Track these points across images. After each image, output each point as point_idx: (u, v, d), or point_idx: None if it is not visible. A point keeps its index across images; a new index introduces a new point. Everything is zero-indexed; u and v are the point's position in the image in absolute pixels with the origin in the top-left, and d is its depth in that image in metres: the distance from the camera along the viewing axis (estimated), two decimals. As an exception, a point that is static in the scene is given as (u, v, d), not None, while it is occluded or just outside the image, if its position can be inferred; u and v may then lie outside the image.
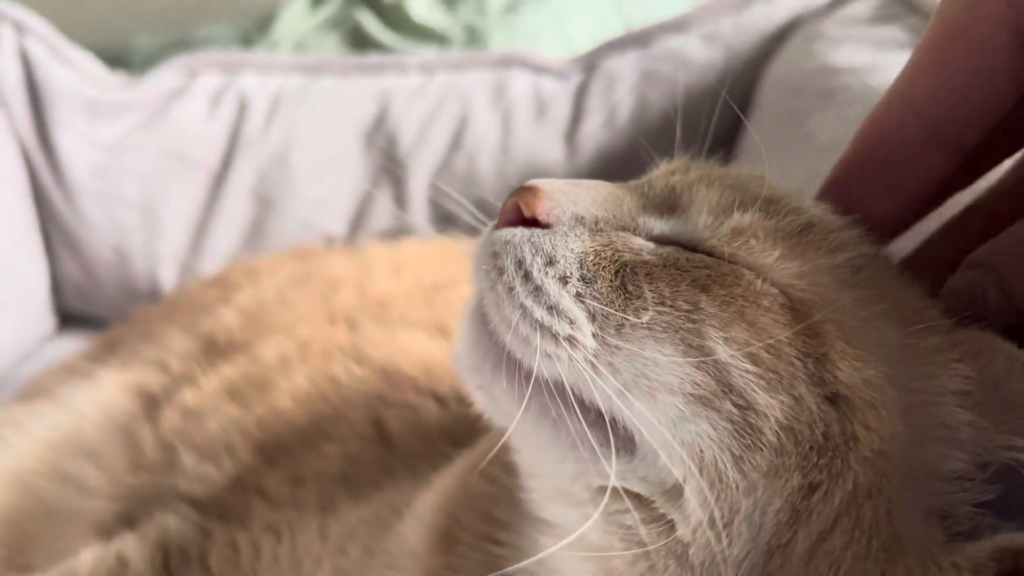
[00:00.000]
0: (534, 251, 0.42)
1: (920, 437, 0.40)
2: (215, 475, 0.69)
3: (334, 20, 1.69)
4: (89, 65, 1.22)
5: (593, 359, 0.40)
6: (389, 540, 0.56)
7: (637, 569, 0.41)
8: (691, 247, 0.43)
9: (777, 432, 0.38)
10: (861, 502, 0.38)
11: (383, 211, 1.17)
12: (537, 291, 0.41)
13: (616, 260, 0.42)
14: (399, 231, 1.15)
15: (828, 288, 0.41)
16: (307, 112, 1.20)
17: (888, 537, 0.38)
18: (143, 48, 1.79)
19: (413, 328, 0.76)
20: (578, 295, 0.41)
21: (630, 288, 0.41)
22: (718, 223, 0.44)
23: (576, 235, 0.43)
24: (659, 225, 0.45)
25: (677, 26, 1.14)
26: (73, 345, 1.15)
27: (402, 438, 0.66)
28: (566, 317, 0.40)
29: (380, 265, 0.88)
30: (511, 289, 0.42)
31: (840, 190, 0.48)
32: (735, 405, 0.38)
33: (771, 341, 0.39)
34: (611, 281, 0.41)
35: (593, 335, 0.40)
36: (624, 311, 0.40)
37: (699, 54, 1.12)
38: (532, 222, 0.44)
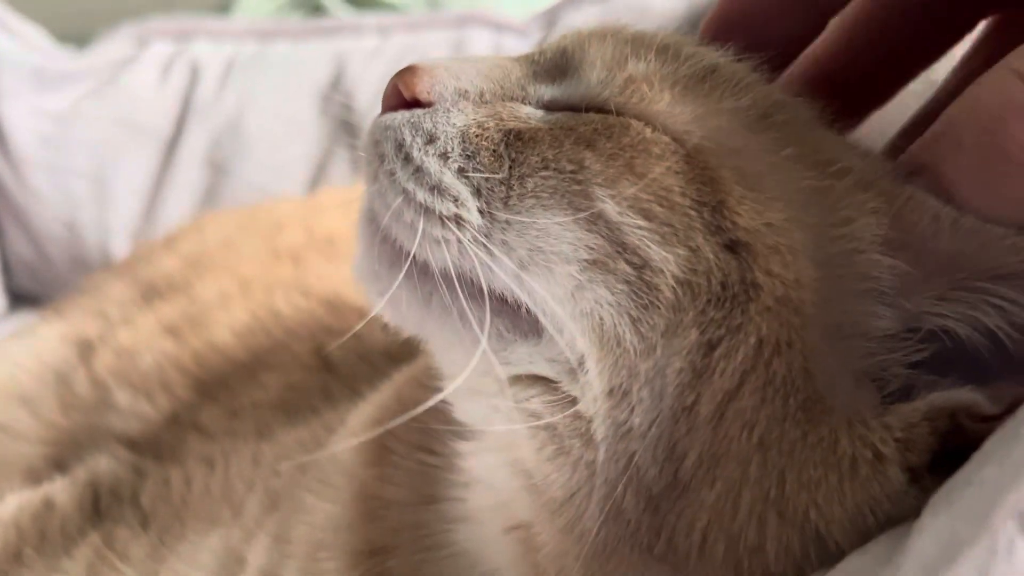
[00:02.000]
0: (414, 131, 0.40)
1: (840, 290, 0.37)
2: (150, 412, 0.65)
3: (295, 1, 1.67)
4: (34, 35, 1.19)
5: (484, 238, 0.37)
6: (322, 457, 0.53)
7: (545, 454, 0.38)
8: (583, 107, 0.41)
9: (674, 287, 0.36)
10: (769, 357, 0.35)
11: (341, 174, 1.14)
12: (418, 172, 0.39)
13: (500, 129, 0.40)
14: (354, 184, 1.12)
15: (727, 134, 0.39)
16: (261, 77, 1.17)
17: (808, 396, 0.35)
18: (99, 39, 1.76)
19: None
20: (460, 170, 0.39)
21: (513, 155, 0.39)
22: (611, 76, 0.41)
23: (459, 110, 0.41)
24: (550, 91, 0.43)
25: (636, -23, 1.12)
26: (23, 325, 1.12)
27: (344, 363, 0.63)
28: (450, 195, 0.38)
29: (330, 205, 0.85)
30: (392, 174, 0.39)
31: (719, 30, 0.47)
32: (630, 264, 0.36)
33: (661, 191, 0.36)
34: (494, 151, 0.39)
35: (480, 211, 0.38)
36: (507, 182, 0.38)
37: (659, 5, 1.10)
38: (414, 103, 0.41)
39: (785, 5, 0.47)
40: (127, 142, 1.15)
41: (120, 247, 1.15)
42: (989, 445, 0.32)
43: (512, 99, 0.42)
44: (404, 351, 0.62)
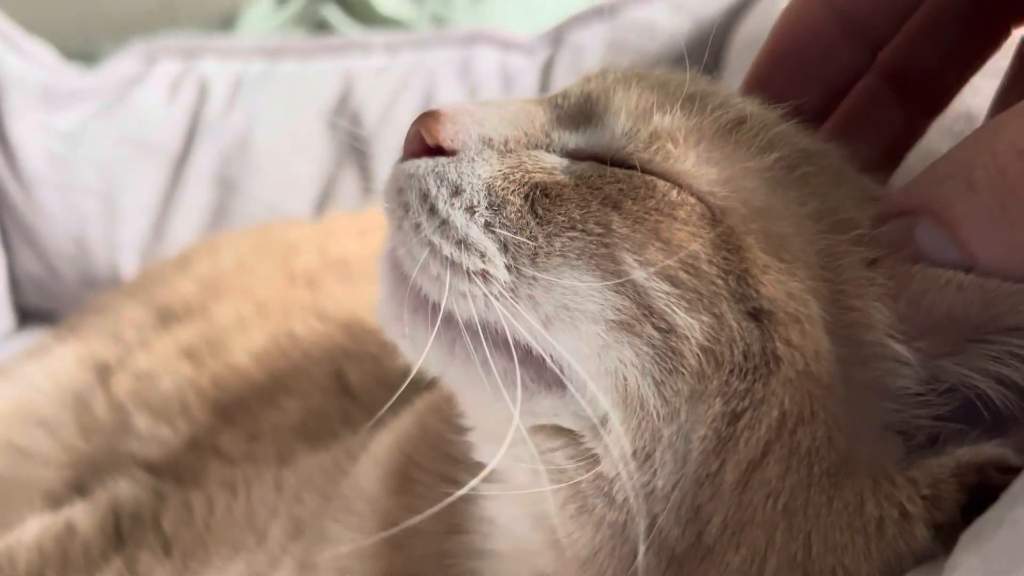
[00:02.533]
0: (439, 182, 0.39)
1: (859, 354, 0.37)
2: (169, 436, 0.66)
3: (299, 16, 1.67)
4: (43, 54, 1.20)
5: (511, 293, 0.37)
6: (344, 484, 0.53)
7: (568, 512, 0.38)
8: (607, 159, 0.40)
9: (698, 355, 0.36)
10: (792, 428, 0.35)
11: (349, 192, 1.15)
12: (444, 225, 0.39)
13: (526, 183, 0.39)
14: (365, 209, 1.12)
15: (753, 193, 0.38)
16: (269, 95, 1.18)
17: (833, 463, 0.36)
18: (107, 55, 1.77)
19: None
20: (487, 225, 0.38)
21: (540, 212, 0.38)
22: (636, 129, 0.40)
23: (484, 159, 0.40)
24: (574, 139, 0.42)
25: (642, -3, 1.14)
26: (33, 342, 1.12)
27: (363, 388, 0.63)
28: (476, 250, 0.38)
29: (343, 230, 0.85)
30: (417, 226, 0.39)
31: (759, 85, 0.47)
32: (656, 328, 0.36)
33: (687, 258, 0.36)
34: (520, 206, 0.38)
35: (507, 267, 0.38)
36: (536, 238, 0.37)
37: (666, 23, 1.11)
38: (437, 150, 0.40)
39: (834, 41, 0.46)
40: (136, 160, 1.15)
41: (129, 264, 1.15)
42: (1017, 486, 0.33)
43: (536, 147, 0.42)
44: (424, 375, 0.63)
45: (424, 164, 0.40)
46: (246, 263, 0.82)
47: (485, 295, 0.37)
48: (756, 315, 0.36)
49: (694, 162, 0.39)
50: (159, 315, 0.78)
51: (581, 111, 0.43)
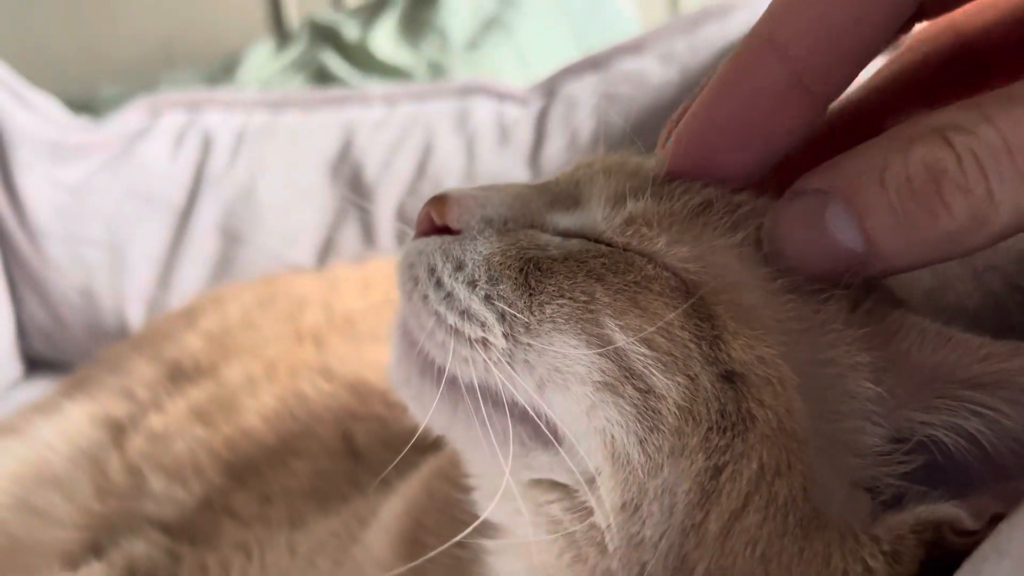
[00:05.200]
0: (444, 258, 0.43)
1: (830, 411, 0.40)
2: (183, 497, 0.68)
3: (299, 62, 1.71)
4: (51, 108, 1.23)
5: (508, 359, 0.41)
6: (355, 550, 0.55)
7: (564, 561, 0.41)
8: (594, 238, 0.44)
9: (675, 413, 0.39)
10: (771, 480, 0.38)
11: (351, 241, 1.18)
12: (449, 297, 0.42)
13: (521, 258, 0.43)
14: (367, 260, 1.15)
15: (723, 268, 0.41)
16: (272, 147, 1.21)
17: (805, 514, 0.38)
18: (109, 97, 1.80)
19: (382, 342, 0.76)
20: (487, 297, 0.42)
21: (533, 284, 0.42)
22: (614, 213, 0.44)
23: (484, 238, 0.44)
24: (564, 220, 0.46)
25: (633, 48, 1.17)
26: (40, 390, 1.13)
27: (370, 450, 0.66)
28: (477, 320, 0.42)
29: (347, 284, 0.88)
30: (425, 297, 0.43)
31: (697, 138, 0.43)
32: (637, 389, 0.39)
33: (662, 325, 0.39)
34: (515, 279, 0.42)
35: (504, 335, 0.41)
36: (529, 308, 0.41)
37: (656, 74, 1.15)
38: (444, 230, 0.45)
39: (785, 95, 0.42)
40: (141, 212, 1.18)
41: (136, 314, 1.18)
42: (966, 566, 0.35)
43: (532, 226, 0.46)
44: (429, 438, 0.65)
45: (433, 242, 0.44)
46: (253, 319, 0.84)
47: (485, 361, 0.41)
48: (729, 377, 0.39)
49: (666, 242, 0.42)
50: (169, 373, 0.81)
51: (570, 195, 0.47)
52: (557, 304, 0.41)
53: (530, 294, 0.42)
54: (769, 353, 0.39)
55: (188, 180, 1.20)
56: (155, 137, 1.21)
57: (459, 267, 0.43)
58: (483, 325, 0.41)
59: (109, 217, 1.17)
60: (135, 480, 0.70)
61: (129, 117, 1.22)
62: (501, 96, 1.21)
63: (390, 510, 0.55)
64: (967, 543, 0.37)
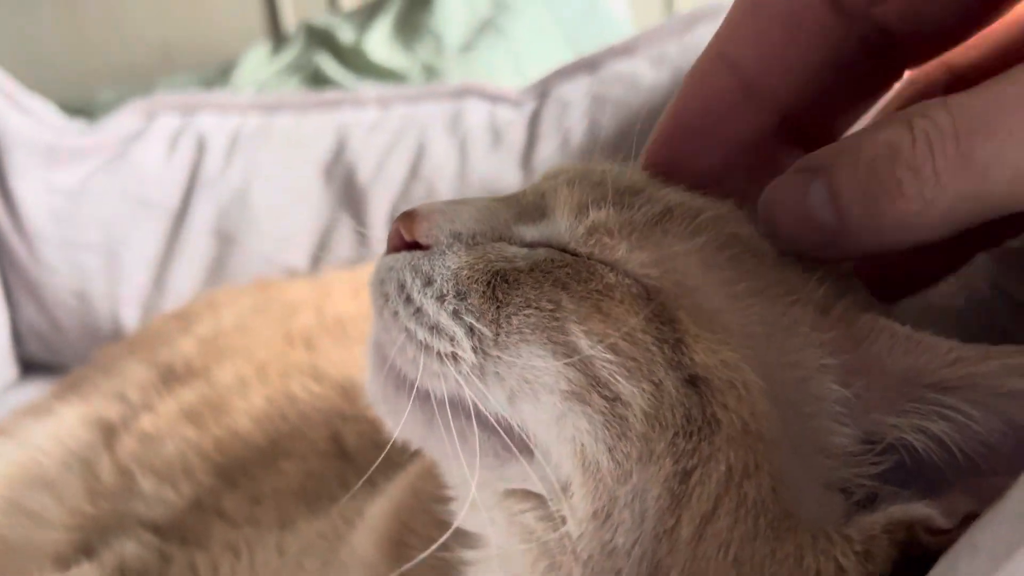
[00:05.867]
0: (414, 273, 0.44)
1: (798, 414, 0.40)
2: (174, 498, 0.68)
3: (294, 65, 1.72)
4: (46, 112, 1.23)
5: (478, 372, 0.41)
6: (342, 550, 0.56)
7: (539, 569, 0.42)
8: (559, 248, 0.45)
9: (642, 420, 0.39)
10: (740, 482, 0.38)
11: (344, 243, 1.18)
12: (418, 312, 0.43)
13: (488, 271, 0.43)
14: (360, 262, 1.15)
15: (683, 274, 0.42)
16: (266, 149, 1.21)
17: (776, 515, 0.39)
18: (106, 101, 1.81)
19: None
20: (455, 312, 0.42)
21: (500, 296, 0.42)
22: (577, 223, 0.45)
23: (453, 252, 0.45)
24: (531, 232, 0.47)
25: (625, 50, 1.17)
26: (35, 393, 1.14)
27: (360, 451, 0.66)
28: (446, 335, 0.42)
29: (339, 289, 0.88)
30: (396, 313, 0.44)
31: (663, 146, 0.48)
32: (603, 397, 0.40)
33: (625, 330, 0.40)
34: (483, 293, 0.43)
35: (473, 349, 0.42)
36: (496, 321, 0.42)
37: (648, 76, 1.15)
38: (414, 245, 0.45)
39: (737, 105, 0.46)
40: (136, 215, 1.19)
41: (130, 317, 1.18)
42: (942, 563, 0.36)
43: (500, 239, 0.46)
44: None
45: (403, 257, 0.45)
46: (246, 323, 0.84)
47: (455, 375, 0.42)
48: (693, 381, 0.40)
49: (626, 249, 0.43)
50: (161, 375, 0.81)
51: (537, 207, 0.48)
52: (524, 315, 0.41)
53: (498, 307, 0.42)
54: (732, 356, 0.40)
55: (182, 183, 1.20)
56: (150, 140, 1.21)
57: (428, 282, 0.44)
58: (452, 340, 0.42)
59: (104, 220, 1.18)
60: (126, 482, 0.70)
61: (124, 120, 1.23)
62: (494, 98, 1.22)
63: (376, 511, 0.56)
64: (940, 542, 0.37)
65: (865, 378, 0.40)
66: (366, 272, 0.94)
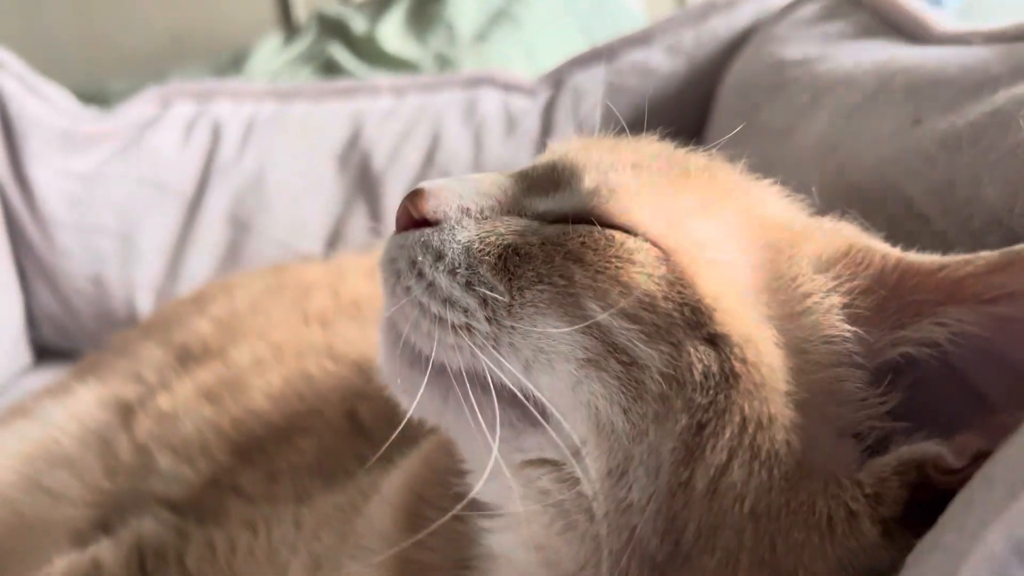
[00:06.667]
0: (424, 249, 0.44)
1: (811, 363, 0.41)
2: (191, 476, 0.68)
3: (307, 55, 1.72)
4: (61, 99, 1.24)
5: (493, 342, 0.42)
6: (359, 523, 0.56)
7: (555, 530, 0.42)
8: (571, 218, 0.45)
9: (659, 380, 0.40)
10: (753, 433, 0.39)
11: (359, 230, 1.18)
12: (431, 287, 0.43)
13: (500, 244, 0.44)
14: (374, 249, 1.16)
15: (699, 233, 0.43)
16: (281, 137, 1.21)
17: (790, 467, 0.39)
18: (118, 91, 1.82)
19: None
20: (468, 284, 0.43)
21: (512, 269, 0.43)
22: (596, 188, 0.45)
23: (462, 227, 0.45)
24: (543, 203, 0.47)
25: (640, 40, 1.17)
26: (49, 379, 1.14)
27: (375, 427, 0.66)
28: (460, 307, 0.43)
29: (353, 271, 0.89)
30: (408, 289, 0.44)
31: None
32: (620, 362, 0.40)
33: (643, 296, 0.41)
34: (494, 265, 0.43)
35: (487, 319, 0.42)
36: (510, 292, 0.42)
37: (662, 65, 1.15)
38: (423, 222, 0.46)
39: None
40: (152, 201, 1.19)
41: (145, 302, 1.19)
42: (952, 509, 0.36)
43: (509, 212, 0.47)
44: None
45: (413, 235, 0.46)
46: (261, 304, 0.85)
47: (470, 346, 0.42)
48: (712, 340, 0.40)
49: (648, 211, 0.43)
50: (178, 356, 0.81)
51: (548, 178, 0.48)
52: (537, 290, 0.42)
53: (510, 279, 0.43)
54: (749, 314, 0.41)
55: (198, 169, 1.20)
56: (165, 127, 1.22)
57: (439, 257, 0.44)
58: (466, 311, 0.43)
59: (119, 206, 1.18)
60: (143, 459, 0.71)
61: (139, 107, 1.23)
62: (508, 87, 1.22)
63: (392, 484, 0.56)
64: (952, 481, 0.38)
65: (865, 305, 0.41)
66: (379, 254, 0.94)
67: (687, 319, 0.40)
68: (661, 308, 0.41)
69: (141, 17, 2.21)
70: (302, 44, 1.74)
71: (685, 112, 1.10)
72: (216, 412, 0.71)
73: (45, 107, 1.20)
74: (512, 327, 0.42)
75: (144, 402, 0.76)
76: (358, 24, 1.69)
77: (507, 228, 0.45)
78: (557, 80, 1.21)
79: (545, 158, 0.50)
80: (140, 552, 0.65)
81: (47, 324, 1.24)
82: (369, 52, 1.64)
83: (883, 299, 0.41)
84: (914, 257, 0.42)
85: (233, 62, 1.78)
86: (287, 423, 0.69)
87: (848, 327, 0.41)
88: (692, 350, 0.40)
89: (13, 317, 1.20)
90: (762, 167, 0.53)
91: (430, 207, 0.46)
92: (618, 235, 0.43)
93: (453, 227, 0.45)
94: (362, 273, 0.88)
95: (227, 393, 0.73)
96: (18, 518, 0.72)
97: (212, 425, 0.70)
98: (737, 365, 0.40)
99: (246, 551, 0.61)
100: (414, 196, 0.46)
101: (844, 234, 0.46)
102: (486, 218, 0.46)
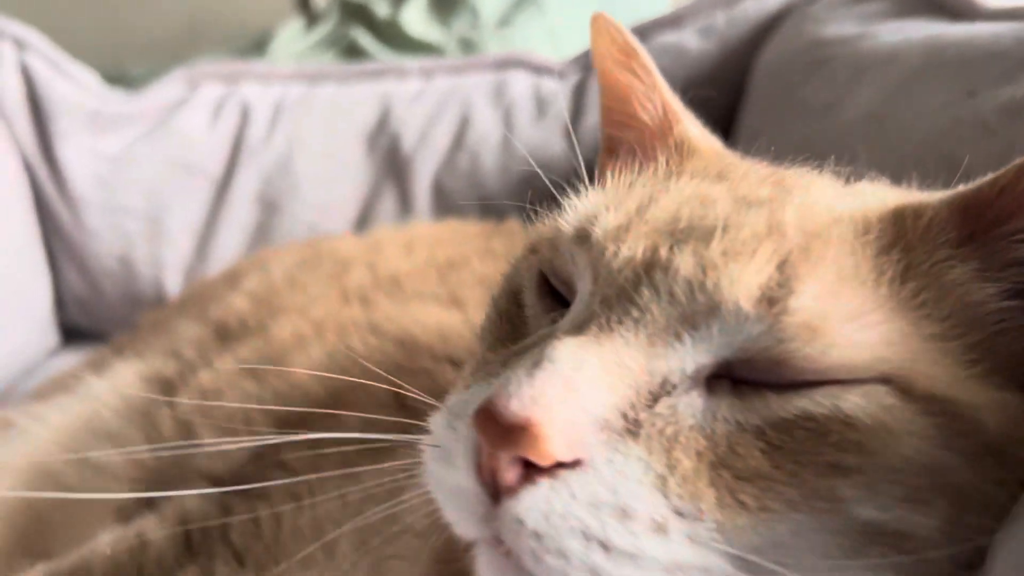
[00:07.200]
0: (594, 510, 0.31)
1: (982, 349, 0.35)
2: (234, 450, 0.68)
3: (330, 39, 1.71)
4: (89, 80, 1.23)
5: None
6: (405, 498, 0.56)
7: None
8: (732, 369, 0.34)
9: (937, 535, 0.33)
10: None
11: (388, 212, 1.18)
12: (635, 559, 0.31)
13: (703, 465, 0.32)
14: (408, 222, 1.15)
15: (900, 332, 0.35)
16: (309, 119, 1.21)
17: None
18: (141, 76, 1.81)
19: (427, 301, 0.76)
20: (692, 538, 0.31)
21: (745, 501, 0.31)
22: (767, 317, 0.33)
23: (621, 454, 0.32)
24: (688, 358, 0.34)
25: (672, 22, 1.16)
26: (76, 361, 1.15)
27: (419, 402, 0.66)
28: (696, 570, 0.31)
29: (391, 245, 0.88)
30: (594, 568, 0.31)
31: None
32: (887, 545, 0.32)
33: (893, 462, 0.32)
34: (718, 499, 0.31)
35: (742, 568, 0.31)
36: (755, 528, 0.31)
37: (694, 47, 1.14)
38: (546, 469, 0.32)
39: None
40: (180, 182, 1.19)
41: (173, 283, 1.19)
42: None
43: (654, 399, 0.33)
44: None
45: (548, 494, 0.31)
46: (298, 279, 0.84)
47: None
48: (979, 452, 0.33)
49: (852, 334, 0.33)
50: (216, 332, 0.81)
51: (684, 315, 0.34)
52: (793, 519, 0.31)
53: (747, 512, 0.31)
54: (970, 385, 0.34)
55: (226, 150, 1.20)
56: (193, 108, 1.21)
57: (624, 515, 0.31)
58: (706, 572, 0.31)
59: (148, 187, 1.18)
60: (186, 434, 0.70)
61: (166, 88, 1.23)
62: (538, 69, 1.21)
63: None
64: None
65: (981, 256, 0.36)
66: (416, 229, 0.94)
67: (946, 442, 0.33)
68: (913, 462, 0.32)
69: (159, 3, 2.21)
70: (324, 29, 1.73)
71: (718, 93, 1.09)
72: (259, 387, 0.71)
73: (73, 88, 1.20)
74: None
75: (185, 378, 0.76)
76: (381, 8, 1.69)
77: (679, 426, 0.33)
78: (587, 63, 1.20)
79: (618, 270, 0.36)
80: (185, 527, 0.65)
81: (74, 306, 1.24)
82: (392, 36, 1.63)
83: (976, 252, 0.37)
84: (965, 191, 0.37)
85: (255, 47, 1.77)
86: (331, 398, 0.69)
87: (985, 287, 0.36)
88: (959, 479, 0.33)
89: (43, 298, 1.20)
90: (803, 144, 0.52)
91: (559, 444, 0.31)
92: (846, 400, 0.32)
93: (611, 460, 0.32)
94: (399, 247, 0.87)
95: (270, 366, 0.72)
96: (61, 491, 0.72)
97: (255, 399, 0.70)
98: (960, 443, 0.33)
99: (291, 526, 0.60)
100: (520, 436, 0.31)
101: (886, 199, 0.40)
102: (639, 424, 0.33)
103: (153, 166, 1.18)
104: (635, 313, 0.35)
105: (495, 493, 0.33)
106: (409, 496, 0.55)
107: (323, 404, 0.69)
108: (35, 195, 1.19)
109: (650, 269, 0.35)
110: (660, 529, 0.31)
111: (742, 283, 0.34)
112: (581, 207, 0.42)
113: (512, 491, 0.32)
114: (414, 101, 1.20)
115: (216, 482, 0.67)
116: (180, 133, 1.20)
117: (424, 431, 0.60)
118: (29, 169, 1.18)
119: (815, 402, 0.32)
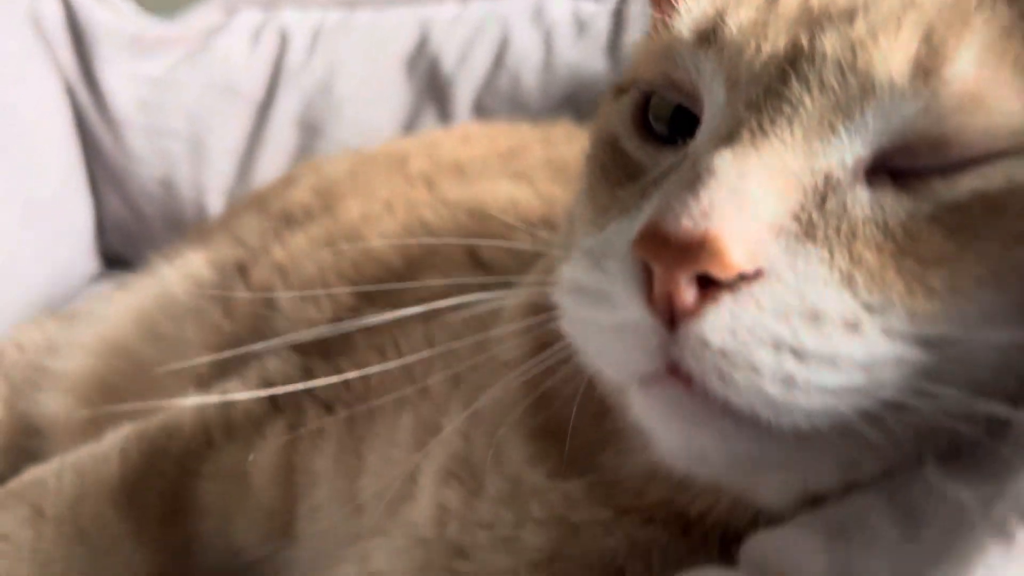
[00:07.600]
0: (783, 318, 0.30)
1: None
2: (314, 314, 0.69)
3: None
4: (127, 8, 1.24)
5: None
6: (490, 336, 0.56)
7: None
8: (900, 161, 0.32)
9: None
10: None
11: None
12: (832, 362, 0.30)
13: (880, 249, 0.31)
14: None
15: None
16: (348, 43, 1.22)
17: None
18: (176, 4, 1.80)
19: (494, 181, 0.77)
20: (885, 332, 0.30)
21: (932, 283, 0.31)
22: (924, 87, 0.32)
23: (803, 258, 0.31)
24: (848, 149, 0.32)
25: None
26: (116, 287, 1.15)
27: (496, 260, 0.66)
28: (888, 362, 0.30)
29: (445, 138, 0.89)
30: (788, 380, 0.30)
31: None
32: None
33: None
34: (904, 291, 0.31)
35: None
36: (947, 313, 0.30)
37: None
38: (727, 284, 0.31)
39: None
40: (221, 105, 1.20)
41: (215, 205, 1.20)
42: None
43: (824, 199, 0.32)
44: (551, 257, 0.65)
45: (734, 309, 0.31)
46: (358, 172, 0.85)
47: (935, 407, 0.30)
48: None
49: (1018, 97, 0.32)
50: (280, 221, 0.82)
51: (837, 104, 0.33)
52: (983, 297, 0.31)
53: (935, 294, 0.31)
54: None
55: (266, 74, 1.21)
56: (232, 33, 1.22)
57: (816, 317, 0.30)
58: (899, 361, 0.30)
59: (189, 109, 1.19)
60: (264, 302, 0.71)
61: (204, 15, 1.24)
62: (575, -9, 1.22)
63: (514, 301, 0.54)
64: None
65: None
66: (468, 127, 0.94)
67: None
68: None
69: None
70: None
71: None
72: (335, 257, 0.72)
73: (113, 14, 1.21)
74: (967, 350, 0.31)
75: (257, 258, 0.76)
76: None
77: (864, 227, 0.32)
78: (625, -16, 1.21)
79: (766, 53, 0.35)
80: (269, 386, 0.65)
81: (115, 232, 1.25)
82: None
83: None
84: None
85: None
86: (407, 263, 0.70)
87: None
88: None
89: (85, 220, 1.21)
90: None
91: (739, 255, 0.30)
92: (990, 172, 0.31)
93: (793, 264, 0.31)
94: (455, 139, 0.88)
95: (344, 241, 0.73)
96: (138, 367, 0.73)
97: (333, 267, 0.71)
98: None
99: (380, 375, 0.61)
100: (700, 254, 0.30)
101: None
102: (813, 224, 0.32)
103: (194, 89, 1.19)
104: (787, 110, 0.33)
105: (670, 321, 0.31)
106: (496, 331, 0.56)
107: (400, 271, 0.70)
108: (77, 120, 1.20)
109: (795, 61, 0.34)
110: (853, 327, 0.30)
111: (894, 58, 0.32)
112: (697, 8, 0.41)
113: (692, 312, 0.31)
114: (453, 25, 1.21)
115: (297, 347, 0.68)
116: (220, 57, 1.21)
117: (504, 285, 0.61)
118: (71, 94, 1.19)
119: (986, 179, 0.31)
